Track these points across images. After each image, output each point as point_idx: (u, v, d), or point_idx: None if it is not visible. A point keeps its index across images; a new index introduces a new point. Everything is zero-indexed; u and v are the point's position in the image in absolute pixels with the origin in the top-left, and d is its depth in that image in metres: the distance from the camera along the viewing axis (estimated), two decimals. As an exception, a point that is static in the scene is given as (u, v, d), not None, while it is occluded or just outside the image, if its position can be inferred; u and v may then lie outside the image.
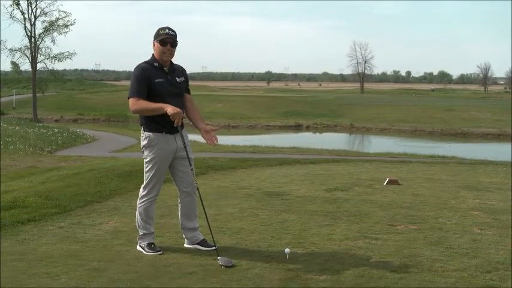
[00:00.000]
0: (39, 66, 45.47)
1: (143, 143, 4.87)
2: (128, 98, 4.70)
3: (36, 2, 44.27)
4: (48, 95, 55.75)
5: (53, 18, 44.38)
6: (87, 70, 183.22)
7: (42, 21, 44.67)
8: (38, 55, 44.87)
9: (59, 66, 47.66)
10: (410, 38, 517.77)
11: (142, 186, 4.95)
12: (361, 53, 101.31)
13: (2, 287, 3.94)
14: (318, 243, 5.04)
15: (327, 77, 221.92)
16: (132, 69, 4.78)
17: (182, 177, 4.97)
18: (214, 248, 4.70)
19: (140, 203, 4.91)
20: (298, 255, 4.64)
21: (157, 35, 4.71)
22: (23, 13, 44.09)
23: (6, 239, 5.15)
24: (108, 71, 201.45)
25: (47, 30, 44.78)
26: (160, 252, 4.76)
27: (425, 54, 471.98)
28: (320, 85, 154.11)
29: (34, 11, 44.36)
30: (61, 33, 44.98)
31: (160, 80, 4.68)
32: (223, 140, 29.67)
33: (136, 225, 4.93)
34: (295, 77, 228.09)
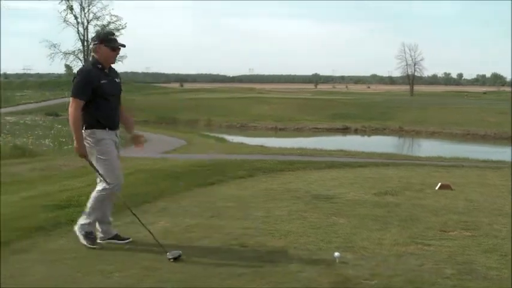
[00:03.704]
0: (91, 69, 46.66)
1: (90, 140, 4.90)
2: (73, 97, 4.84)
3: (88, 7, 45.63)
4: (100, 97, 57.07)
5: (105, 22, 45.67)
6: (137, 73, 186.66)
7: (95, 25, 46.03)
8: (91, 58, 46.11)
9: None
10: (461, 40, 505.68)
11: (104, 180, 4.95)
12: (411, 54, 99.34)
13: (60, 285, 4.05)
14: (368, 248, 4.98)
15: (375, 79, 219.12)
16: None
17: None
18: (128, 240, 5.05)
19: (105, 191, 4.98)
20: (348, 259, 4.59)
21: (108, 40, 4.97)
22: (76, 17, 45.64)
23: (61, 236, 5.30)
24: (158, 73, 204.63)
25: (100, 34, 45.96)
26: (96, 247, 4.88)
27: (477, 56, 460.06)
28: (368, 87, 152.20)
29: (87, 15, 45.84)
30: (112, 37, 46.10)
31: (105, 81, 4.91)
32: (271, 142, 29.77)
33: (88, 210, 5.01)
34: (343, 79, 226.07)
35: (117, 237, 5.15)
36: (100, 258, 4.64)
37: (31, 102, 56.11)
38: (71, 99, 4.89)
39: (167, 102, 58.16)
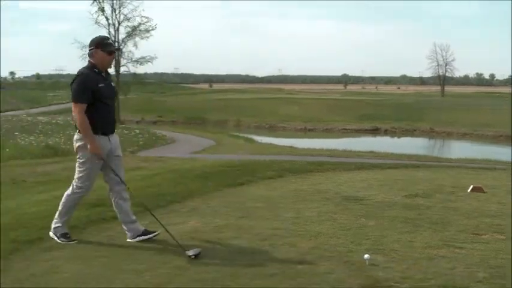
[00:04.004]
0: (122, 69, 47.24)
1: (78, 143, 5.07)
2: (74, 102, 5.00)
3: (120, 8, 46.04)
4: (130, 97, 57.64)
5: (136, 24, 45.98)
6: (166, 74, 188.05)
7: (125, 27, 46.38)
8: (121, 59, 46.60)
9: (140, 69, 49.46)
10: (492, 40, 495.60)
11: (77, 181, 5.14)
12: (442, 55, 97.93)
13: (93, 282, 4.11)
14: (399, 250, 4.93)
15: (405, 79, 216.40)
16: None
17: (112, 175, 5.20)
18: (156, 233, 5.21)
19: (73, 195, 5.15)
20: (379, 262, 4.55)
21: (104, 45, 5.10)
22: (107, 19, 45.95)
23: (94, 235, 5.38)
24: (186, 74, 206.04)
25: (130, 35, 46.40)
26: (75, 241, 5.07)
27: (510, 56, 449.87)
28: (398, 88, 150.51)
29: (118, 16, 46.13)
30: (143, 38, 46.51)
31: (102, 85, 5.06)
32: (300, 143, 29.70)
33: (58, 213, 5.18)
34: (373, 80, 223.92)
35: (146, 232, 5.26)
36: (131, 257, 4.69)
37: (63, 103, 57.10)
38: (72, 105, 5.02)
39: (196, 103, 58.53)
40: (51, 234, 5.18)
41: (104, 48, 5.08)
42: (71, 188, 5.20)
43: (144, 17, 45.88)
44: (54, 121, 34.51)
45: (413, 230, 5.72)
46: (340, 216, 6.33)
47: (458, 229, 5.80)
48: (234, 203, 7.11)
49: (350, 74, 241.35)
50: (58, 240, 5.09)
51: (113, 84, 5.32)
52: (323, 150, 20.86)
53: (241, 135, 36.13)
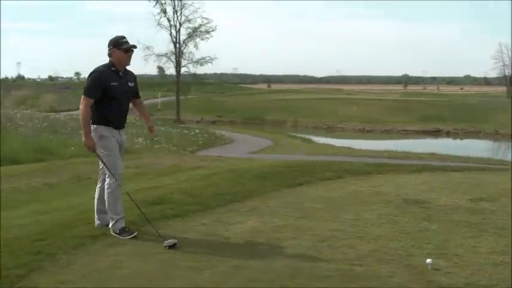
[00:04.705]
0: (182, 70, 48.04)
1: (94, 135, 5.31)
2: (84, 95, 5.25)
3: (181, 10, 46.88)
4: (190, 97, 58.52)
5: (196, 25, 46.69)
6: (226, 74, 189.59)
7: (186, 28, 47.19)
8: (182, 60, 47.39)
9: (200, 70, 50.02)
10: None
11: (106, 173, 5.38)
12: (508, 55, 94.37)
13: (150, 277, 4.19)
14: (462, 256, 4.78)
15: (469, 80, 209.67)
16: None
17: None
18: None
19: (109, 188, 5.35)
20: (441, 267, 4.44)
21: (119, 44, 5.34)
22: (169, 20, 46.90)
23: (153, 232, 5.47)
24: (245, 74, 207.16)
25: (191, 36, 47.16)
26: (136, 233, 5.24)
27: None
28: (462, 89, 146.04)
29: (179, 18, 47.01)
30: (203, 39, 47.19)
31: (115, 83, 5.30)
32: (358, 144, 29.32)
33: (109, 211, 5.36)
34: (434, 80, 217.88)
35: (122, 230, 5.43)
36: (190, 254, 4.76)
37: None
38: (82, 97, 5.26)
39: (255, 103, 58.73)
40: (112, 233, 5.33)
41: (119, 47, 5.32)
42: (105, 184, 5.42)
43: (205, 18, 46.58)
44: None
45: (478, 235, 5.54)
46: (400, 219, 6.20)
47: (526, 235, 5.57)
48: (293, 203, 7.09)
49: (410, 75, 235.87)
50: (120, 237, 5.23)
51: (130, 84, 5.49)
52: (382, 152, 20.54)
53: (298, 135, 36.07)
